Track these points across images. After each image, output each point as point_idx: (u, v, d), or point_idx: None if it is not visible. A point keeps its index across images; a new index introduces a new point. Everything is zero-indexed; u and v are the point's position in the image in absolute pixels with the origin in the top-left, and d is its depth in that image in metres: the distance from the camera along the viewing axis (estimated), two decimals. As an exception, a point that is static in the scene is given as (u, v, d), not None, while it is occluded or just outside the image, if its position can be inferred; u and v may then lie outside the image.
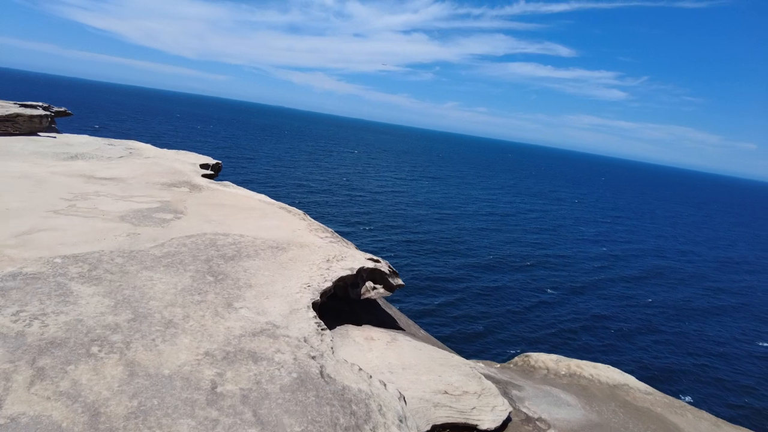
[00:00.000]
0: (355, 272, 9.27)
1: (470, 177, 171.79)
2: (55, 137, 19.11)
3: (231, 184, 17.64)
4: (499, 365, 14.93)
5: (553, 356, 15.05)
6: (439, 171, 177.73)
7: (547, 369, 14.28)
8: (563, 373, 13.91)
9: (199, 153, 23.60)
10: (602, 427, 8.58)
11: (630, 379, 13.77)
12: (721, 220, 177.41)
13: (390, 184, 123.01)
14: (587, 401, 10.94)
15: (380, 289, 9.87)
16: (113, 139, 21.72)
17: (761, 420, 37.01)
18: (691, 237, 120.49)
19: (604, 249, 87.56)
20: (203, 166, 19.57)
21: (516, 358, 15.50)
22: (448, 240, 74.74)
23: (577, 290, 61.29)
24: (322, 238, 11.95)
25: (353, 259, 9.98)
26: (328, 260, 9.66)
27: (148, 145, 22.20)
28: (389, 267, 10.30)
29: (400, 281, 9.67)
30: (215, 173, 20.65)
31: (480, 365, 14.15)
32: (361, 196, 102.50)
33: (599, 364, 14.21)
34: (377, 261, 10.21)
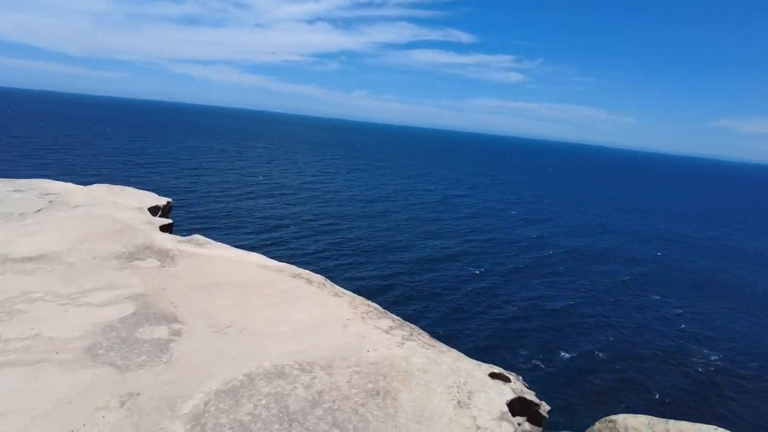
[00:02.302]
0: (515, 426, 6.06)
1: (390, 167, 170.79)
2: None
3: (203, 238, 13.29)
4: None
5: (642, 418, 12.93)
6: (358, 162, 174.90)
7: None
8: None
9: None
10: None
11: None
12: (634, 192, 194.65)
13: (313, 180, 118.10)
14: None
15: (526, 426, 6.76)
16: (17, 180, 15.80)
17: None
18: (631, 210, 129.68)
19: (541, 229, 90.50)
20: (153, 211, 14.81)
21: (597, 425, 13.24)
22: (384, 236, 72.51)
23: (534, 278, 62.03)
24: (389, 333, 8.51)
25: (481, 385, 6.76)
26: (459, 403, 6.35)
27: (69, 185, 16.58)
28: (525, 384, 7.23)
29: (546, 406, 6.69)
30: (166, 215, 15.92)
31: None
32: (284, 194, 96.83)
33: (703, 426, 12.35)
34: (507, 379, 7.07)
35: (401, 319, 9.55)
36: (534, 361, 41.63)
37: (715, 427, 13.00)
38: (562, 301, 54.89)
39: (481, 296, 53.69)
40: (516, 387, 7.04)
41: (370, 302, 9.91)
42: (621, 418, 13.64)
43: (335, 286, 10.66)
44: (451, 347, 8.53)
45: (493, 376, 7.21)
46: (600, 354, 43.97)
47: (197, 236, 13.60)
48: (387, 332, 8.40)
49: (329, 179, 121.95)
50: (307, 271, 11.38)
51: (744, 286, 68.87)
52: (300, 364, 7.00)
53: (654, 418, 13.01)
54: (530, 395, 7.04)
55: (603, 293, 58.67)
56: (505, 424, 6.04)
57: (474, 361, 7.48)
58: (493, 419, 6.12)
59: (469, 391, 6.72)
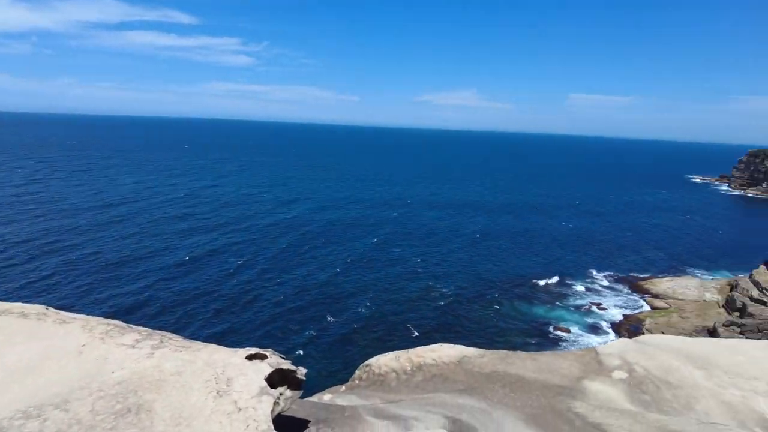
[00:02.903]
0: (276, 397, 6.52)
1: (120, 164, 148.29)
2: None
3: None
4: (344, 387, 13.81)
5: (390, 355, 14.90)
6: (78, 163, 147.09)
7: (395, 371, 14.09)
8: (409, 368, 14.01)
9: None
10: (493, 408, 9.17)
11: (462, 349, 14.97)
12: (367, 164, 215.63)
13: (19, 191, 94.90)
14: (459, 394, 11.31)
15: (287, 393, 7.30)
16: None
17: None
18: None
19: (296, 209, 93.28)
20: None
21: (357, 372, 14.62)
22: (130, 244, 64.30)
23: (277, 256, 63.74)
24: (135, 347, 7.85)
25: (239, 370, 6.98)
26: (218, 393, 6.42)
27: None
28: (281, 357, 7.72)
29: (302, 369, 7.30)
30: None
31: (328, 396, 12.68)
32: (-21, 215, 76.14)
33: (433, 346, 14.98)
34: (264, 356, 7.46)
35: (149, 329, 8.93)
36: (307, 332, 43.96)
37: (440, 344, 16.34)
38: (325, 272, 58.80)
39: (248, 285, 53.39)
40: (272, 361, 7.49)
41: (109, 320, 8.94)
42: (374, 360, 15.86)
43: (61, 312, 9.23)
44: (222, 343, 8.45)
45: (250, 357, 7.51)
46: (363, 311, 49.15)
47: None
48: (133, 347, 7.78)
49: (42, 188, 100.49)
50: (20, 304, 9.49)
51: (456, 228, 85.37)
52: (24, 412, 5.98)
53: (399, 351, 15.57)
54: (286, 364, 7.59)
55: (359, 257, 65.14)
56: (265, 397, 6.45)
57: (230, 349, 7.62)
58: (253, 397, 6.45)
59: (228, 379, 6.88)
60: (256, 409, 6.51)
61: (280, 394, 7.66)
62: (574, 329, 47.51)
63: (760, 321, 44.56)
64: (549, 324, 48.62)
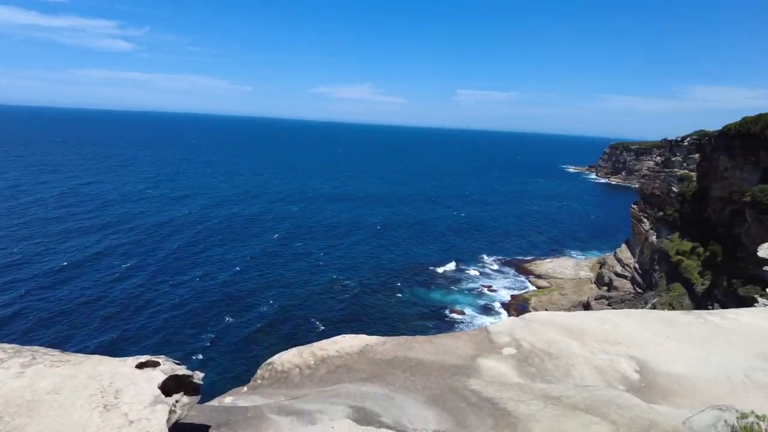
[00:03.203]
0: (172, 405, 6.17)
1: None
2: None
3: None
4: (246, 388, 13.19)
5: (293, 351, 14.45)
6: None
7: (298, 367, 13.76)
8: (313, 363, 13.76)
9: None
10: (395, 393, 9.23)
11: (365, 338, 14.98)
12: (264, 155, 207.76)
13: None
14: (362, 382, 11.27)
15: (184, 399, 6.92)
16: None
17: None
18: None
19: (189, 205, 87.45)
20: None
21: (259, 371, 14.02)
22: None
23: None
24: (1, 367, 6.94)
25: (128, 380, 6.46)
26: (105, 407, 5.90)
27: None
28: (175, 362, 7.27)
29: (199, 374, 6.94)
30: None
31: (229, 399, 12.07)
32: None
33: (336, 338, 14.79)
34: (156, 363, 6.99)
35: (18, 346, 7.95)
36: (207, 335, 41.95)
37: (343, 335, 16.55)
38: (224, 271, 56.28)
39: (138, 290, 49.63)
40: (166, 368, 7.03)
41: (-32, 339, 7.83)
42: (277, 357, 15.51)
43: None
44: (113, 354, 7.66)
45: (140, 366, 7.00)
46: (266, 309, 47.94)
47: None
48: (3, 368, 6.91)
49: None
50: None
51: (358, 220, 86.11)
52: None
53: (302, 346, 15.43)
54: (181, 370, 7.17)
55: (259, 254, 63.24)
56: (159, 406, 6.04)
57: (117, 358, 7.05)
58: (146, 407, 6.02)
59: (116, 390, 6.35)
60: (150, 420, 6.10)
61: (176, 401, 7.25)
62: (468, 311, 50.60)
63: (622, 293, 50.82)
64: (446, 308, 51.22)
